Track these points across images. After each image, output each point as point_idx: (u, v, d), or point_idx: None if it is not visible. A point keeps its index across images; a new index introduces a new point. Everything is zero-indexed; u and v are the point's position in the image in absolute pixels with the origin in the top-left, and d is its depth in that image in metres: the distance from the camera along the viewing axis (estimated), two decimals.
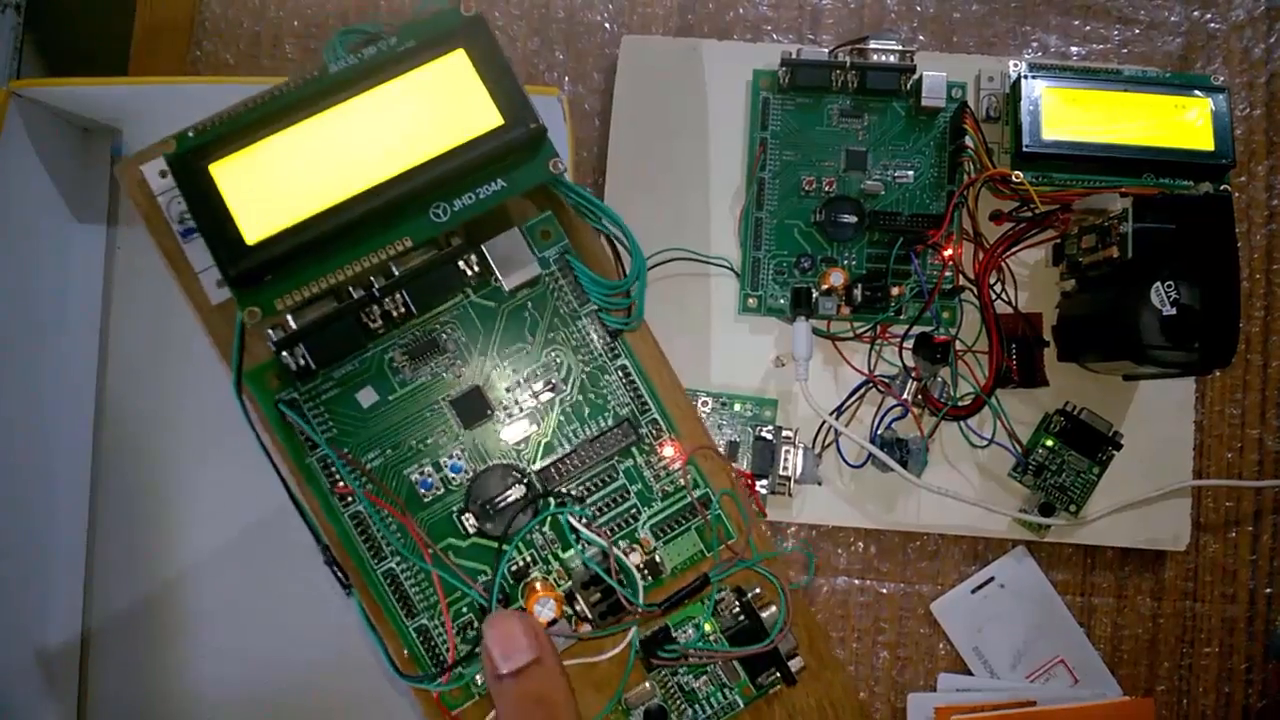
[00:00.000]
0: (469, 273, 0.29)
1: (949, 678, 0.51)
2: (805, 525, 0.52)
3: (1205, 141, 0.48)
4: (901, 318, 0.50)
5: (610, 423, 0.31)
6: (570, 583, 0.31)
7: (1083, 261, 0.48)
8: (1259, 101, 0.55)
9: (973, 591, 0.51)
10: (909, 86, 0.50)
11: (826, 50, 0.50)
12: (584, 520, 0.31)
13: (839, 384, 0.50)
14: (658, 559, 0.32)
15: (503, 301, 0.30)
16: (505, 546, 0.30)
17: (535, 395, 0.31)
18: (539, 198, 0.30)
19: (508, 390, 0.31)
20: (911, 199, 0.50)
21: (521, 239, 0.29)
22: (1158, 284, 0.44)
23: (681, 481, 0.32)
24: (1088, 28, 0.56)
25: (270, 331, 0.29)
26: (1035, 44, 0.56)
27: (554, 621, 0.30)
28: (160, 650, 0.50)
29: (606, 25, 0.56)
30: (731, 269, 0.51)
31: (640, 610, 0.31)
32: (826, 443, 0.50)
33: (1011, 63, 0.51)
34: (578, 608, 0.31)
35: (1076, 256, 0.48)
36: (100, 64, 0.59)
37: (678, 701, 0.32)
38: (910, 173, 0.50)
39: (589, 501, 0.31)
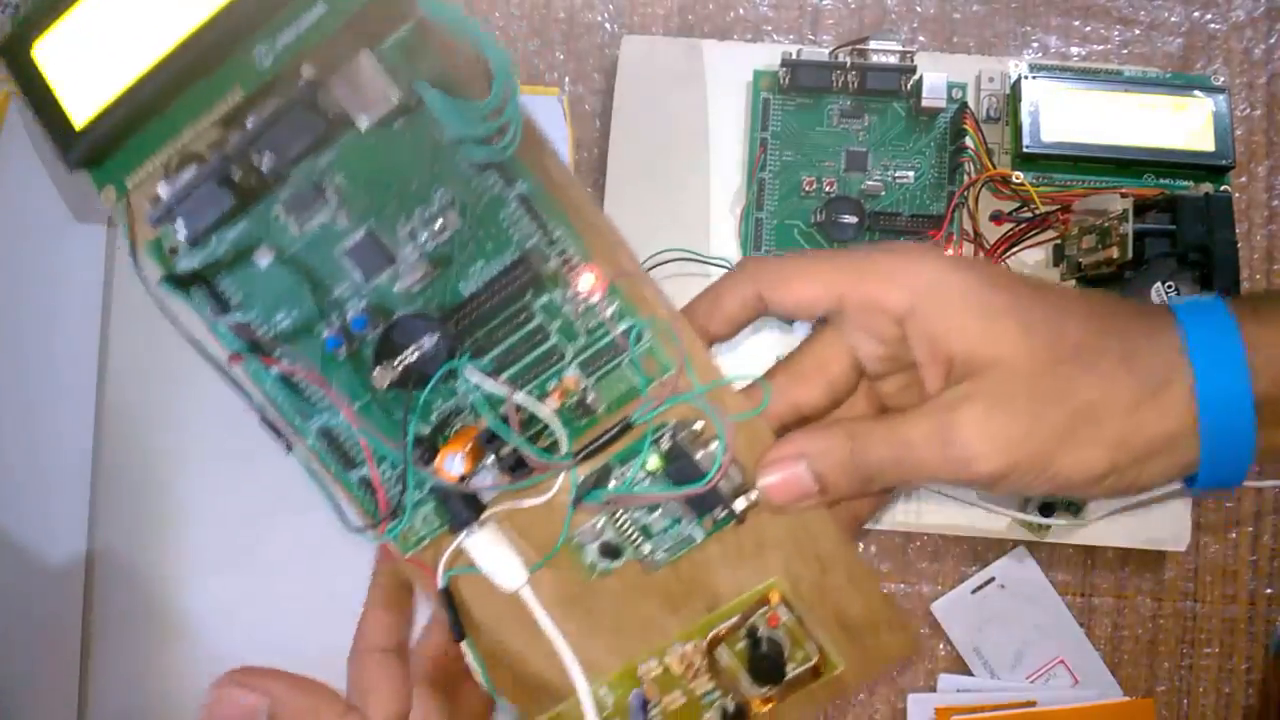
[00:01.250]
0: (330, 113, 0.26)
1: (949, 678, 0.51)
2: None
3: (1205, 142, 0.48)
4: None
5: (516, 257, 0.28)
6: (483, 435, 0.29)
7: (1083, 262, 0.48)
8: (1259, 102, 0.55)
9: (973, 592, 0.51)
10: (909, 87, 0.50)
11: (827, 51, 0.50)
12: (489, 369, 0.28)
13: None
14: (588, 400, 0.29)
15: (376, 138, 0.27)
16: (414, 401, 0.28)
17: (433, 236, 0.28)
18: (394, 13, 0.26)
19: (403, 234, 0.28)
20: (912, 199, 0.51)
21: (375, 66, 0.25)
22: (1158, 284, 0.44)
23: (603, 313, 0.29)
24: (1088, 28, 0.56)
25: (148, 207, 0.27)
26: (1035, 44, 0.56)
27: (466, 476, 0.28)
28: (161, 651, 0.50)
29: (607, 25, 0.56)
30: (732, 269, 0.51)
31: (545, 464, 0.29)
32: None
33: (1012, 63, 0.51)
34: (489, 461, 0.29)
35: (1076, 257, 0.48)
36: None
37: (632, 537, 0.30)
38: (910, 173, 0.50)
39: (504, 346, 0.29)
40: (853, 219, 0.49)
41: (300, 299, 0.28)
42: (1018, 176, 0.48)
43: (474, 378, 0.28)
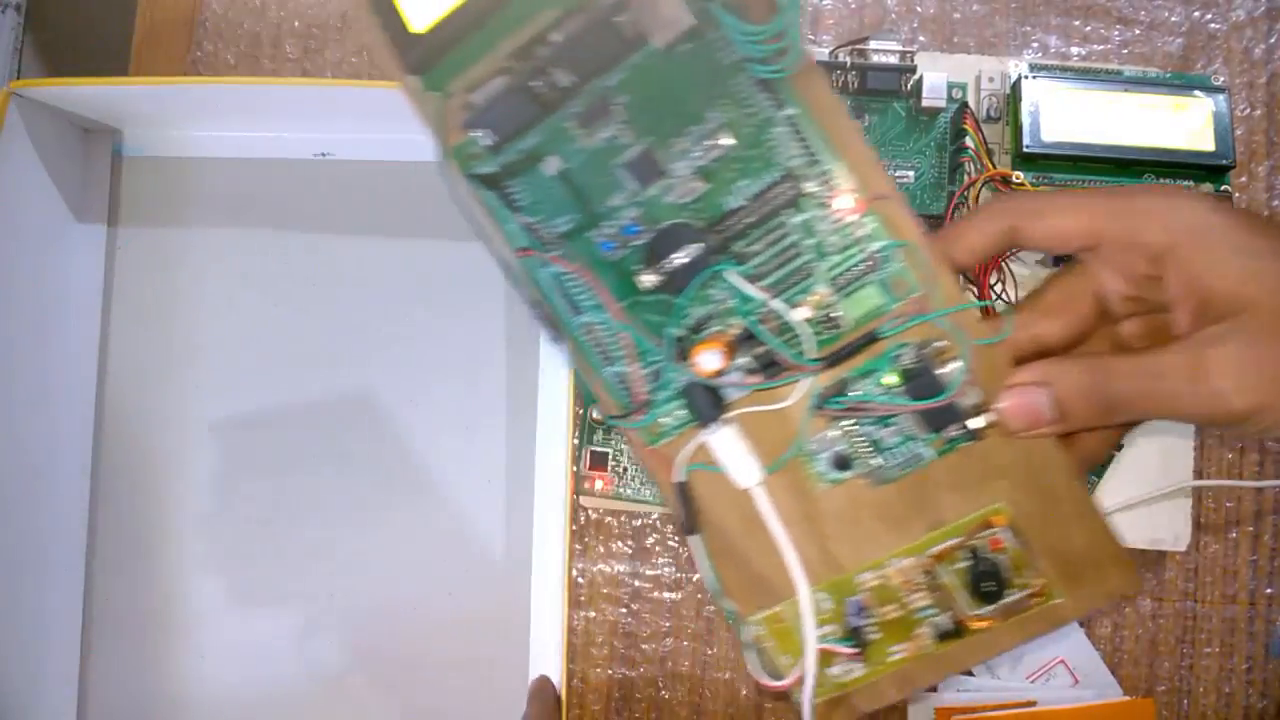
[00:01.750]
0: (625, 34, 0.29)
1: (949, 678, 0.51)
2: None
3: (1205, 142, 0.48)
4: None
5: (779, 176, 0.30)
6: (747, 334, 0.31)
7: None
8: (1259, 102, 0.55)
9: None
10: (909, 87, 0.50)
11: (827, 50, 0.50)
12: (750, 276, 0.30)
13: None
14: (835, 313, 0.31)
15: (661, 59, 0.29)
16: (677, 302, 0.31)
17: (705, 153, 0.30)
18: None
19: (677, 150, 0.30)
20: (912, 199, 0.50)
21: None
22: None
23: (857, 234, 0.30)
24: (1088, 28, 0.56)
25: (460, 112, 0.30)
26: (1035, 44, 0.56)
27: (721, 371, 0.30)
28: (160, 650, 0.50)
29: None
30: None
31: (796, 365, 0.31)
32: None
33: (1012, 63, 0.51)
34: (745, 360, 0.31)
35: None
36: (100, 64, 0.59)
37: (864, 451, 0.32)
38: (911, 173, 0.50)
39: (761, 258, 0.31)
40: None
41: (579, 205, 0.31)
42: (1018, 176, 0.48)
43: (735, 280, 0.30)
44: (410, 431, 0.50)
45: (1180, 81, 0.50)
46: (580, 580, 0.52)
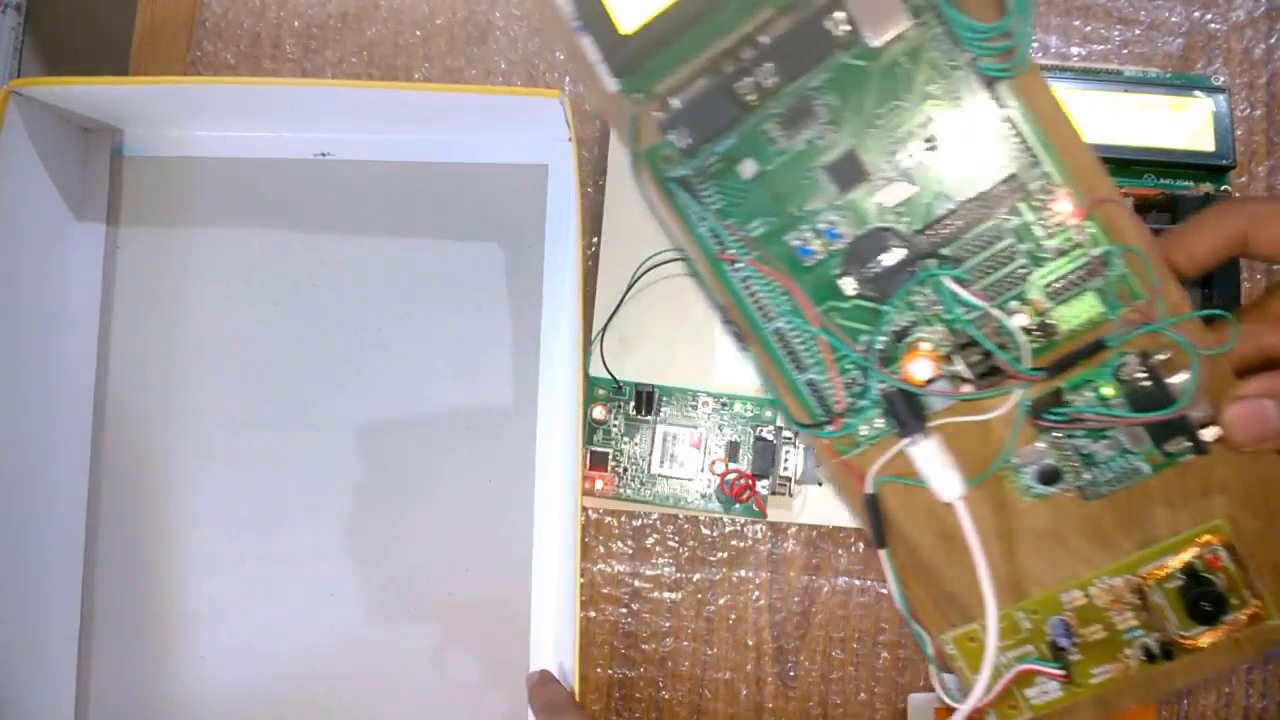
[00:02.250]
0: (836, 33, 0.28)
1: (950, 678, 0.51)
2: (805, 525, 0.52)
3: (1205, 142, 0.48)
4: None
5: (996, 178, 0.29)
6: (952, 344, 0.30)
7: None
8: (1259, 102, 0.55)
9: None
10: None
11: None
12: (963, 281, 0.30)
13: None
14: (1050, 320, 0.30)
15: (874, 59, 0.29)
16: (883, 308, 0.30)
17: (912, 155, 0.29)
18: None
19: (884, 151, 0.30)
20: None
21: None
22: None
23: (1077, 238, 0.29)
24: (1088, 28, 0.56)
25: (656, 114, 0.30)
26: (1035, 44, 0.56)
27: (931, 380, 0.30)
28: (159, 650, 0.50)
29: None
30: None
31: (1021, 374, 0.30)
32: None
33: None
34: (960, 368, 0.30)
35: None
36: (100, 65, 0.59)
37: (1074, 464, 0.31)
38: None
39: (972, 263, 0.30)
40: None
41: (776, 208, 0.30)
42: None
43: (951, 286, 0.29)
44: (410, 432, 0.50)
45: (1180, 81, 0.50)
46: (580, 580, 0.52)
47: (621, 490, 0.50)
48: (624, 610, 0.52)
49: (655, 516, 0.52)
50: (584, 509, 0.52)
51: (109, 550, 0.50)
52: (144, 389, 0.51)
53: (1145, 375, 0.30)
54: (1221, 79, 0.54)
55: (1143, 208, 0.45)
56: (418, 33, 0.56)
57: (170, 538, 0.50)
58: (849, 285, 0.30)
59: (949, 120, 0.29)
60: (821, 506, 0.50)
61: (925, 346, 0.30)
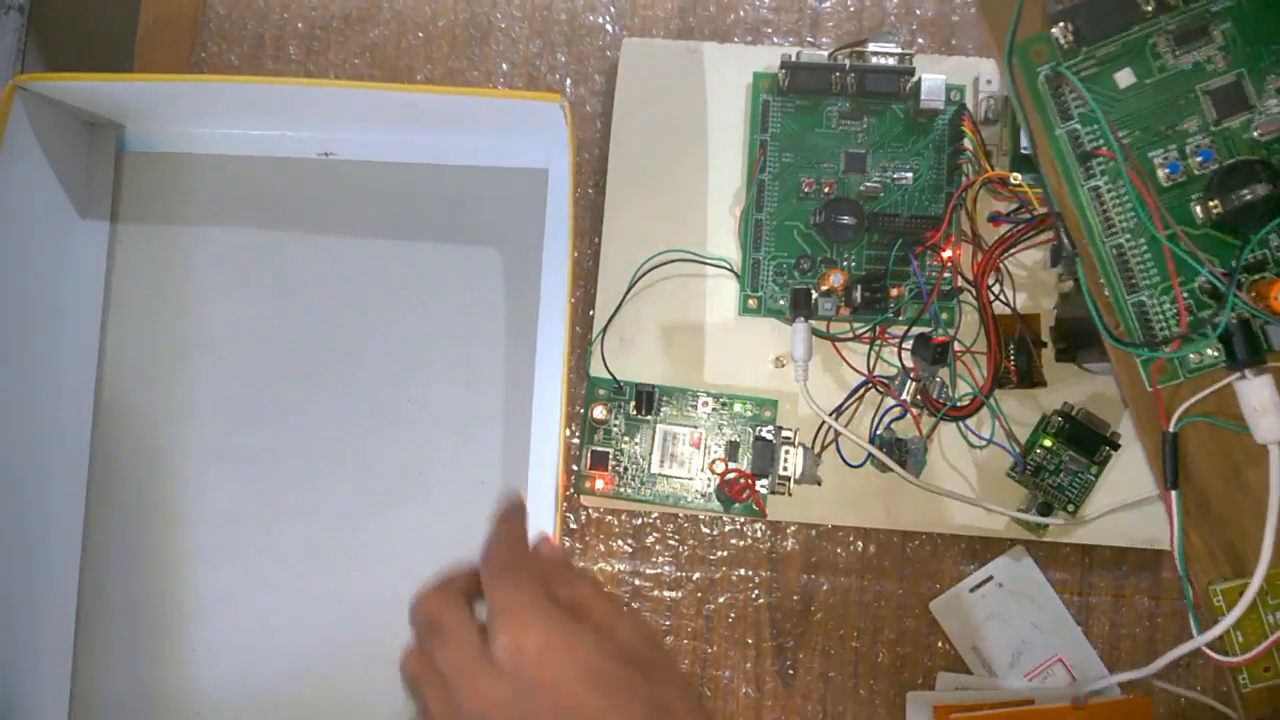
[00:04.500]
0: None
1: (948, 676, 0.51)
2: (805, 525, 0.52)
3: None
4: (900, 319, 0.50)
5: None
6: None
7: None
8: None
9: (971, 590, 0.51)
10: (908, 89, 0.51)
11: (826, 53, 0.51)
12: None
13: (838, 385, 0.51)
14: None
15: None
16: (1249, 237, 0.29)
17: None
18: None
19: (1271, 86, 0.29)
20: (910, 201, 0.51)
21: None
22: None
23: None
24: None
25: (1049, 4, 0.30)
26: None
27: None
28: (153, 646, 0.50)
29: (608, 28, 0.56)
30: (731, 270, 0.51)
31: None
32: (826, 443, 0.50)
33: None
34: None
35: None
36: (103, 65, 0.60)
37: None
38: (909, 175, 0.51)
39: None
40: (851, 220, 0.49)
41: (1147, 122, 0.30)
42: (1016, 178, 0.48)
43: None
44: (406, 430, 0.51)
45: None
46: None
47: (622, 489, 0.50)
48: (623, 609, 0.52)
49: (655, 515, 0.53)
50: (584, 508, 0.53)
51: (105, 544, 0.50)
52: (143, 385, 0.51)
53: None
54: None
55: None
56: (420, 34, 0.56)
57: (166, 532, 0.50)
58: (1211, 209, 0.30)
59: None
60: (820, 506, 0.50)
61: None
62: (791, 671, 0.52)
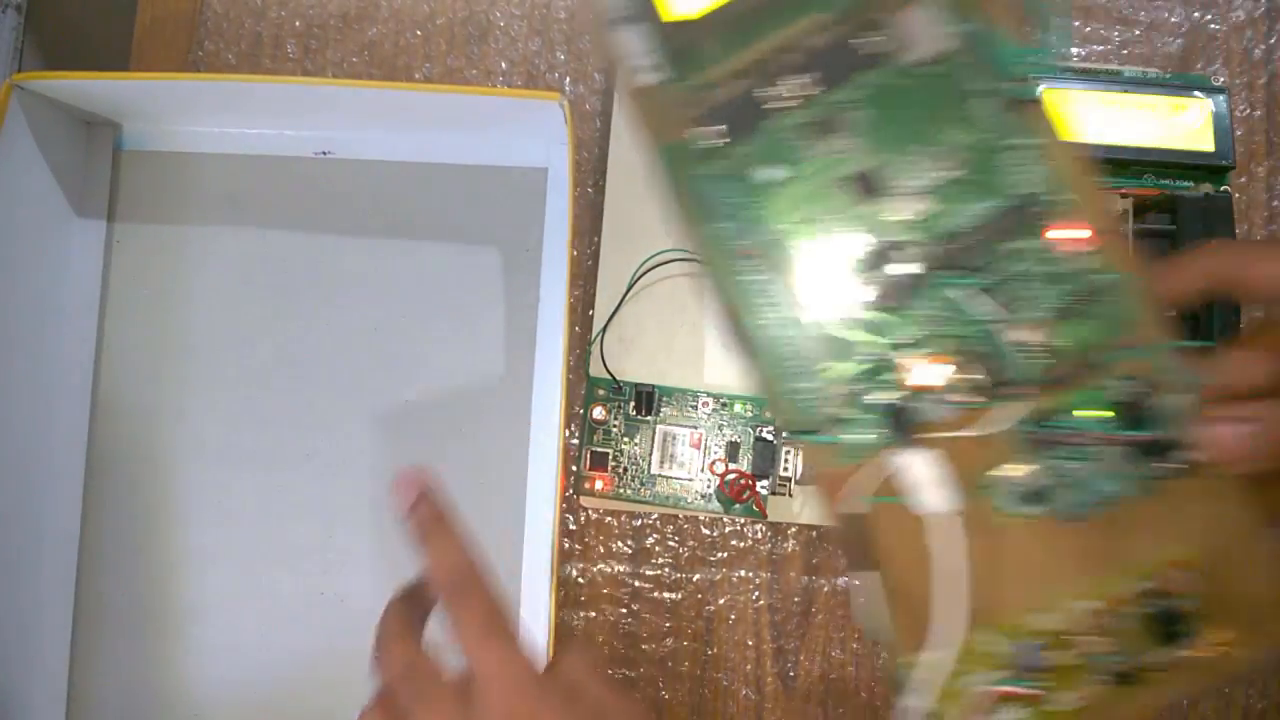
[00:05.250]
0: (875, 51, 0.30)
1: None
2: (805, 525, 0.52)
3: (1205, 143, 0.48)
4: None
5: (1009, 202, 0.30)
6: (957, 355, 0.31)
7: None
8: (1259, 102, 0.55)
9: None
10: None
11: None
12: (976, 292, 0.30)
13: None
14: (1052, 341, 0.31)
15: (907, 78, 0.30)
16: (896, 317, 0.30)
17: (931, 174, 0.30)
18: None
19: (903, 169, 0.30)
20: None
21: (933, 11, 0.30)
22: None
23: (1079, 265, 0.31)
24: (1087, 28, 0.56)
25: (689, 109, 0.30)
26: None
27: (938, 388, 0.30)
28: (151, 646, 0.50)
29: None
30: None
31: (1023, 386, 0.30)
32: None
33: None
34: (964, 379, 0.31)
35: None
36: (100, 64, 0.59)
37: (1060, 485, 0.31)
38: None
39: (983, 282, 0.31)
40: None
41: (795, 213, 0.31)
42: None
43: (965, 297, 0.30)
44: (405, 431, 0.50)
45: (1180, 82, 0.50)
46: (580, 580, 0.52)
47: (621, 490, 0.50)
48: (624, 610, 0.52)
49: (655, 516, 0.52)
50: (584, 509, 0.52)
51: (103, 544, 0.50)
52: (140, 384, 0.51)
53: (1134, 397, 0.31)
54: (1221, 79, 0.54)
55: (1142, 208, 0.45)
56: (418, 33, 0.56)
57: (164, 533, 0.50)
58: (863, 293, 0.30)
59: (968, 142, 0.30)
60: (822, 507, 0.50)
61: (934, 356, 0.31)
62: (792, 674, 0.52)
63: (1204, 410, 0.30)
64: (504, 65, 0.56)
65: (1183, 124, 0.49)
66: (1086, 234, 0.30)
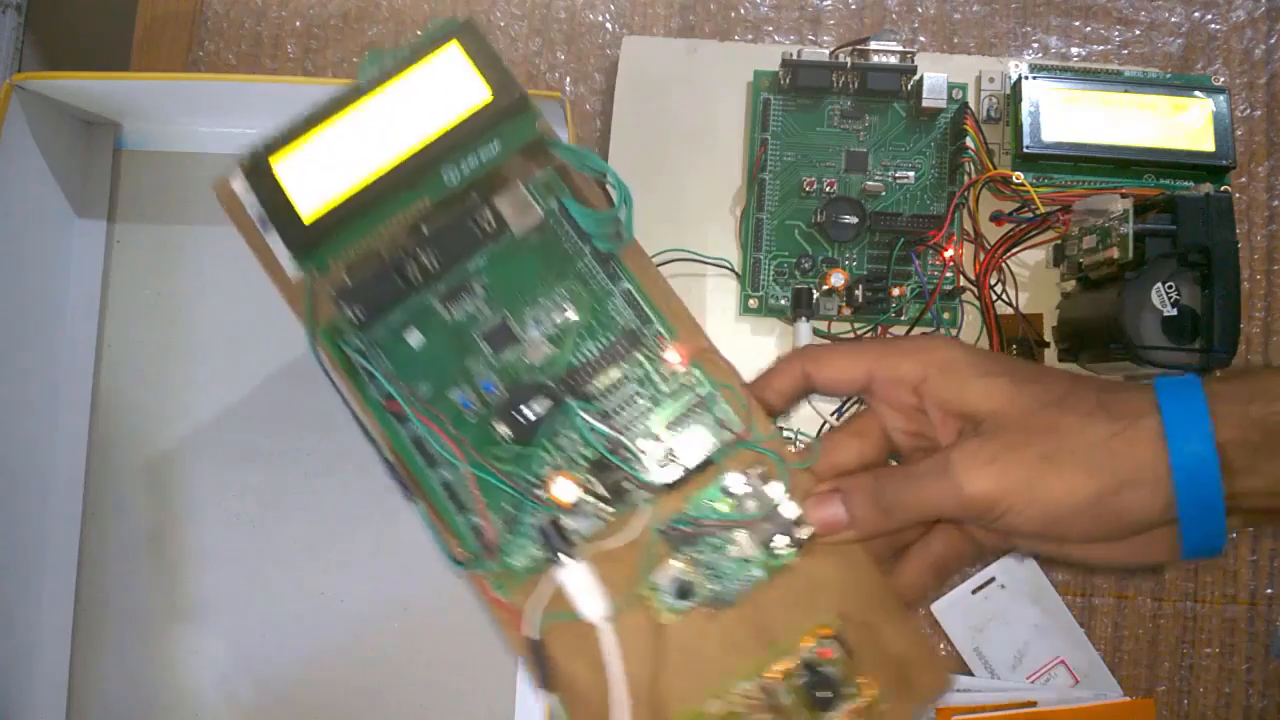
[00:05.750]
0: (486, 227, 0.36)
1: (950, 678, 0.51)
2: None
3: (1206, 142, 0.48)
4: (902, 318, 0.50)
5: (617, 336, 0.36)
6: (590, 472, 0.35)
7: (1083, 262, 0.48)
8: (1259, 102, 0.55)
9: (973, 592, 0.51)
10: (909, 87, 0.50)
11: (827, 51, 0.50)
12: (594, 415, 0.35)
13: None
14: (670, 448, 0.35)
15: (517, 246, 0.36)
16: (532, 447, 0.35)
17: (553, 322, 0.36)
18: (541, 159, 0.36)
19: (530, 320, 0.36)
20: (912, 200, 0.51)
21: (524, 191, 0.36)
22: (1158, 285, 0.44)
23: (686, 381, 0.36)
24: (1088, 29, 0.56)
25: (332, 292, 0.35)
26: (1036, 45, 0.56)
27: (575, 504, 0.34)
28: (152, 647, 0.50)
29: (608, 26, 0.56)
30: (732, 270, 0.51)
31: (647, 486, 0.34)
32: None
33: (1012, 64, 0.51)
34: (598, 490, 0.35)
35: (1077, 257, 0.48)
36: (100, 64, 0.59)
37: (703, 577, 0.35)
38: (911, 173, 0.50)
39: (604, 405, 0.36)
40: (853, 219, 0.49)
41: (440, 370, 0.36)
42: (1018, 177, 0.48)
43: (585, 418, 0.35)
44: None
45: (1180, 82, 0.50)
46: None
47: None
48: None
49: None
50: None
51: (103, 544, 0.50)
52: (140, 384, 0.51)
53: (746, 488, 0.35)
54: (1221, 79, 0.54)
55: (1143, 208, 0.45)
56: (418, 32, 0.56)
57: (164, 532, 0.50)
58: (504, 430, 0.35)
59: (579, 292, 0.36)
60: None
61: (567, 475, 0.34)
62: None
63: (813, 494, 0.35)
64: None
65: (1183, 124, 0.49)
66: (677, 357, 0.35)
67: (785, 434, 0.36)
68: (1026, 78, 0.49)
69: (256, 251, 0.36)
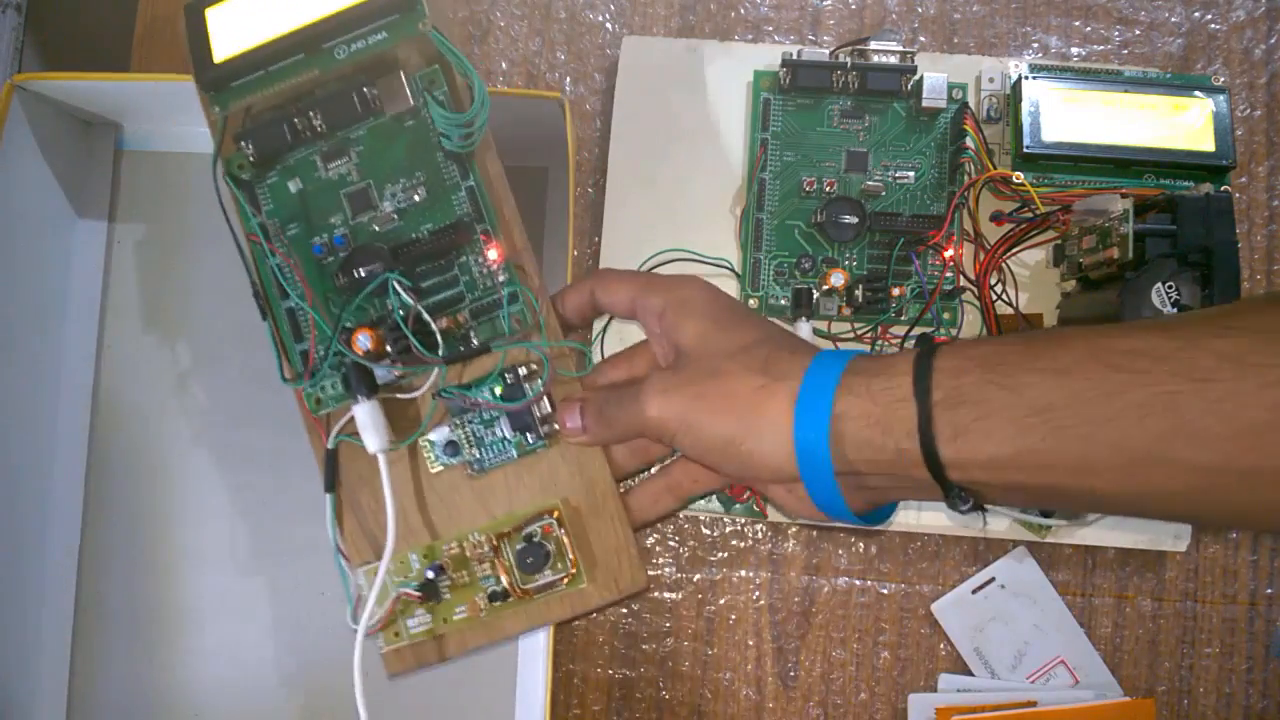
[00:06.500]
0: (371, 104, 0.41)
1: (950, 678, 0.51)
2: (806, 526, 0.52)
3: (1206, 142, 0.48)
4: (902, 318, 0.50)
5: (451, 222, 0.41)
6: (394, 332, 0.40)
7: (1083, 262, 0.48)
8: (1260, 102, 0.55)
9: (973, 592, 0.51)
10: (910, 87, 0.50)
11: (827, 51, 0.50)
12: (406, 287, 0.40)
13: None
14: (470, 334, 0.42)
15: (392, 127, 0.42)
16: (354, 300, 0.40)
17: (407, 196, 0.42)
18: (432, 55, 0.41)
19: (388, 193, 0.42)
20: (912, 200, 0.51)
21: (403, 80, 0.41)
22: (1158, 285, 0.44)
23: (499, 277, 0.41)
24: (1088, 29, 0.56)
25: (236, 128, 0.41)
26: (1036, 45, 0.56)
27: (371, 354, 0.39)
28: (152, 648, 0.50)
29: (608, 26, 0.56)
30: (732, 270, 0.51)
31: (429, 358, 0.40)
32: None
33: (1012, 64, 0.51)
34: (393, 349, 0.40)
35: (1077, 257, 0.48)
36: (100, 65, 0.59)
37: (469, 442, 0.42)
38: (911, 173, 0.50)
39: (425, 281, 0.42)
40: (853, 219, 0.49)
41: (306, 217, 0.42)
42: (1018, 177, 0.48)
43: (397, 288, 0.40)
44: None
45: (1180, 82, 0.50)
46: None
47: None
48: (624, 610, 0.52)
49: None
50: None
51: (103, 545, 0.50)
52: (140, 384, 0.51)
53: (510, 375, 0.41)
54: (1221, 79, 0.54)
55: (1143, 208, 0.45)
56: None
57: (164, 533, 0.50)
58: (341, 280, 0.40)
59: (431, 177, 0.42)
60: None
61: (369, 330, 0.39)
62: (793, 674, 0.52)
63: (563, 399, 0.42)
64: (504, 65, 0.56)
65: (1183, 124, 0.49)
66: (496, 254, 0.41)
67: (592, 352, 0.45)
68: (1026, 78, 0.49)
69: (203, 99, 0.41)
